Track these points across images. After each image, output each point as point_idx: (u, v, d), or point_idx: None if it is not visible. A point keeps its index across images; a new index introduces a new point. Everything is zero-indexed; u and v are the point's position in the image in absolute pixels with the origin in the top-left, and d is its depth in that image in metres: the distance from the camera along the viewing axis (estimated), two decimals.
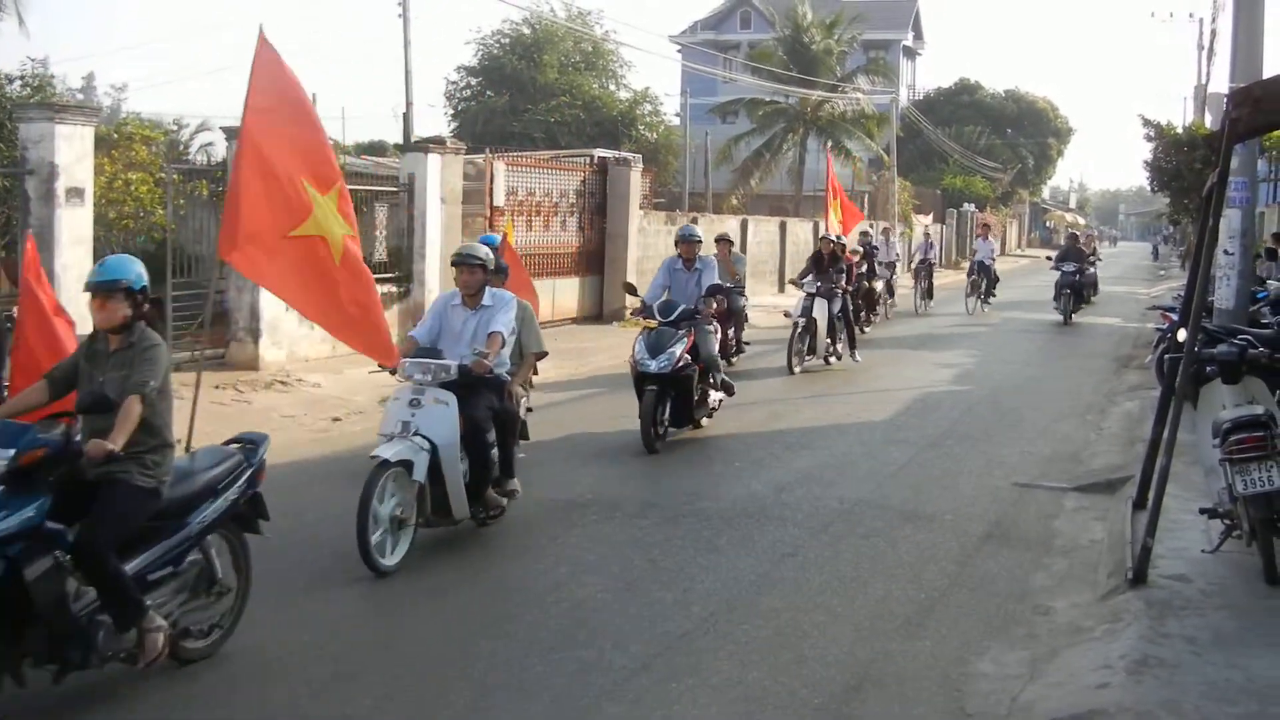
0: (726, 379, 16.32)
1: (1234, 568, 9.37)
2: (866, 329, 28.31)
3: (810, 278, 22.08)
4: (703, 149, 54.16)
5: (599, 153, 32.90)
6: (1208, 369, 10.00)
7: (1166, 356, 14.44)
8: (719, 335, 17.45)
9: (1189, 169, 22.60)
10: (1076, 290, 32.93)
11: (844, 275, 22.63)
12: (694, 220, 33.83)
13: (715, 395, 15.89)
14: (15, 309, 14.25)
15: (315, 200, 12.76)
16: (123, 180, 21.06)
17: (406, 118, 30.59)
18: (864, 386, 20.28)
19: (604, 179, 29.96)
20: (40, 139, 16.34)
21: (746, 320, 23.40)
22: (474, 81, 54.86)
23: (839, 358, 22.46)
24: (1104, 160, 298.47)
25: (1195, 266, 10.67)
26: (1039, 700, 7.28)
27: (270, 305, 18.54)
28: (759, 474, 13.47)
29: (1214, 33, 43.13)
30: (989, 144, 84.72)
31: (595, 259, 29.51)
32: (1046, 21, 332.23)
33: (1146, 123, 24.47)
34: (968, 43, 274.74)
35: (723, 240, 22.86)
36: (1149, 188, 28.96)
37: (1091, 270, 37.43)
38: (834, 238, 23.95)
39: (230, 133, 19.55)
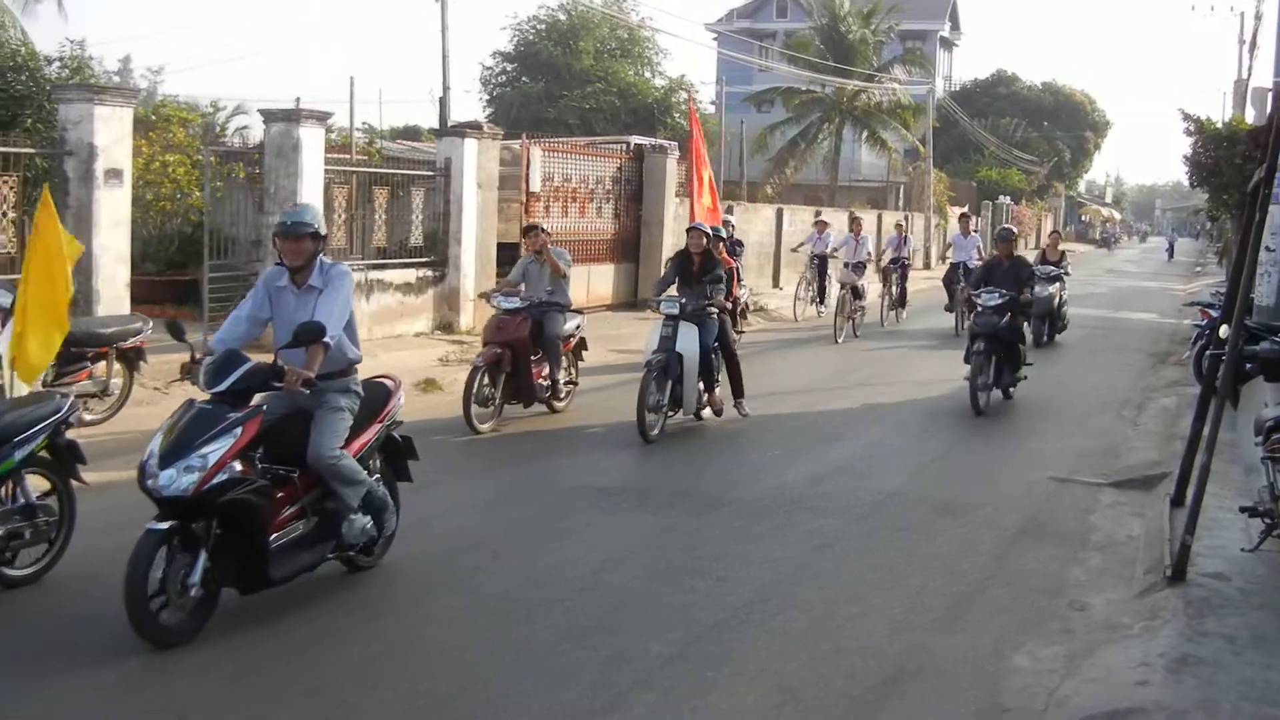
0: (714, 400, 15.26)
1: (1274, 567, 9.32)
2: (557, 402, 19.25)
3: (669, 292, 15.20)
4: (738, 137, 54.02)
5: (635, 139, 32.84)
6: (1249, 366, 9.93)
7: (1207, 353, 14.36)
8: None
9: (1229, 164, 22.31)
10: (1006, 346, 17.58)
11: (722, 286, 15.33)
12: (729, 210, 33.80)
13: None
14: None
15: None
16: (160, 162, 21.20)
17: (443, 102, 30.51)
18: (897, 379, 20.23)
19: (640, 166, 29.89)
20: (80, 120, 16.38)
21: (580, 343, 16.47)
22: (510, 67, 54.88)
23: (718, 410, 15.48)
24: (1141, 155, 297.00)
25: (1239, 263, 10.58)
26: (1075, 696, 7.23)
27: None
28: (794, 464, 13.44)
29: (1256, 26, 42.77)
30: (1025, 136, 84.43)
31: (630, 246, 29.47)
32: (1085, 13, 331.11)
33: (1186, 117, 24.21)
34: (1005, 34, 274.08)
35: (533, 231, 15.93)
36: (1188, 183, 28.62)
37: (1051, 291, 25.76)
38: (708, 230, 16.17)
39: (268, 115, 19.57)
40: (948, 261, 30.31)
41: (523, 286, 15.43)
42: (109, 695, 6.90)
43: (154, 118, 23.87)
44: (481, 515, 10.76)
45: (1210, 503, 9.85)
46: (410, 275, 21.56)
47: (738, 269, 22.28)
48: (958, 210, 59.17)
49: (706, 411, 15.40)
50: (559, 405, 15.85)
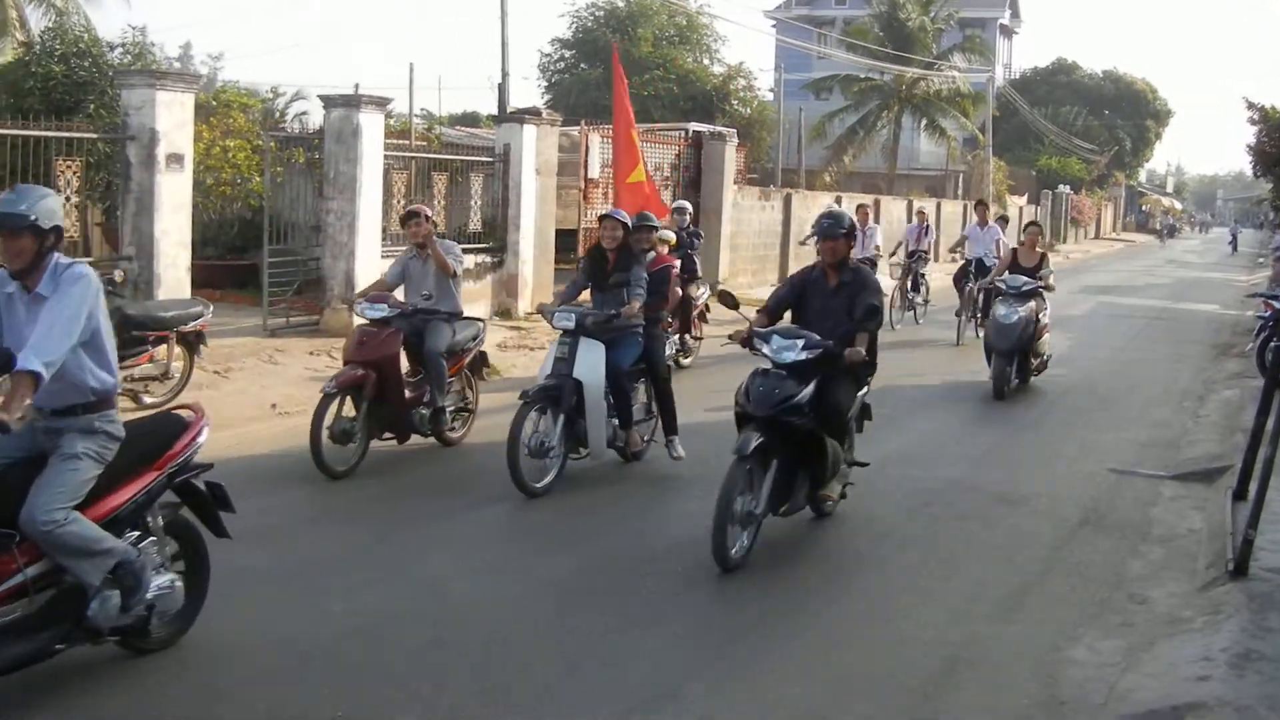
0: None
1: None
2: (684, 360, 18.55)
3: (567, 302, 12.19)
4: (796, 125, 53.88)
5: (694, 127, 32.78)
6: None
7: (1271, 345, 14.22)
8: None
9: None
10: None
11: (640, 290, 11.89)
12: (787, 198, 33.70)
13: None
14: (117, 274, 14.53)
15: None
16: (221, 147, 21.35)
17: (502, 89, 30.57)
18: (954, 368, 20.12)
19: (699, 153, 29.86)
20: (142, 105, 16.47)
21: (480, 358, 13.67)
22: (568, 54, 54.83)
23: (636, 453, 12.37)
24: (1203, 144, 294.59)
25: None
26: (1136, 690, 7.18)
27: (364, 273, 18.64)
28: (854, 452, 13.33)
29: None
30: (1085, 125, 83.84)
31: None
32: (1146, 1, 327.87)
33: (1250, 105, 24.06)
34: (1066, 21, 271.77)
35: (413, 219, 12.87)
36: (1251, 173, 28.32)
37: (1019, 315, 17.26)
38: (625, 218, 12.34)
39: (328, 101, 19.64)
40: (958, 258, 25.74)
41: (401, 290, 12.92)
42: None
43: (214, 103, 24.02)
44: (540, 503, 10.85)
45: (1273, 497, 9.74)
46: (469, 261, 21.57)
47: (696, 265, 19.57)
48: (1017, 200, 59.04)
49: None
50: (453, 437, 12.96)
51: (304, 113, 32.08)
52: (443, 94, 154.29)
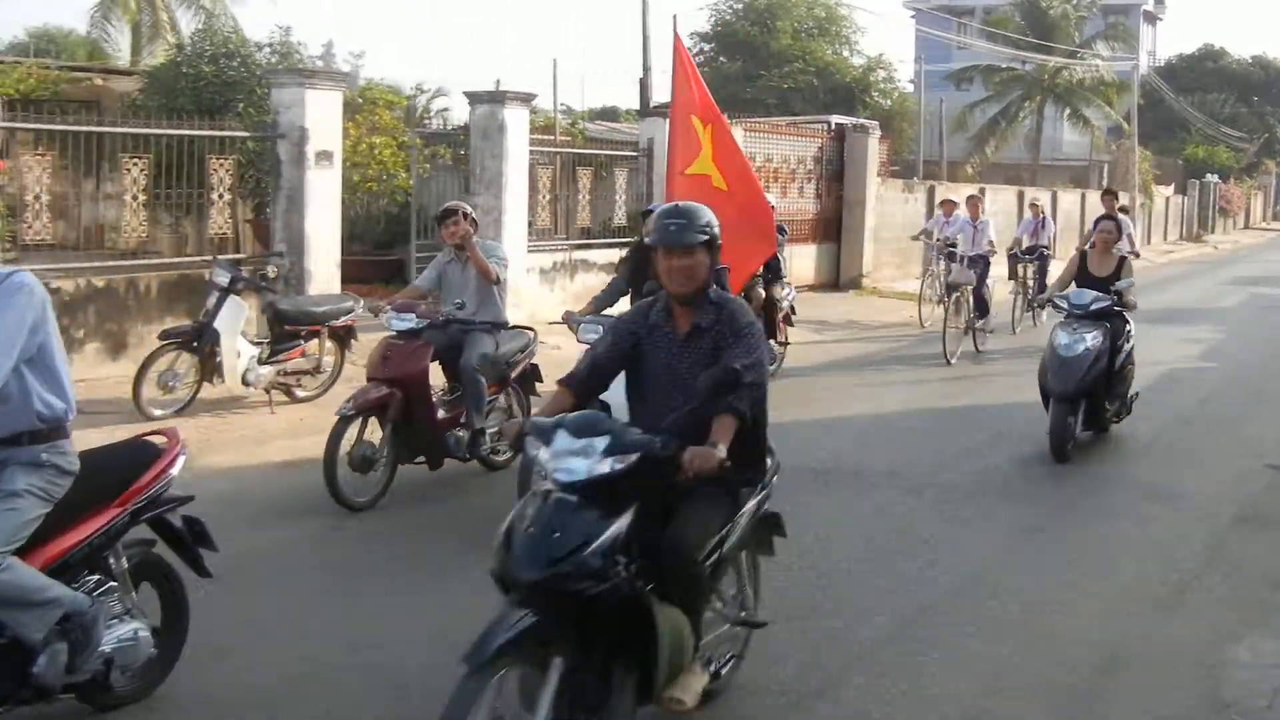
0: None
1: None
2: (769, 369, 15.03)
3: (600, 310, 11.11)
4: (937, 116, 53.43)
5: (837, 119, 32.64)
6: None
7: None
8: None
9: None
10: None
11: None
12: (930, 190, 33.38)
13: None
14: (270, 269, 14.71)
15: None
16: (367, 144, 21.57)
17: (644, 83, 30.60)
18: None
19: (841, 146, 29.73)
20: (291, 104, 16.67)
21: (531, 372, 12.05)
22: (707, 47, 54.75)
23: None
24: None
25: None
26: None
27: (512, 270, 18.75)
28: (1000, 447, 13.24)
29: None
30: (1234, 112, 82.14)
31: (832, 226, 29.32)
32: None
33: None
34: (1212, 7, 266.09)
35: (451, 217, 11.25)
36: None
37: (1088, 346, 12.78)
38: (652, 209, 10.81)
39: (473, 97, 19.77)
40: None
41: (436, 296, 11.50)
42: None
43: (360, 101, 24.25)
44: None
45: None
46: (614, 255, 21.61)
47: (781, 264, 17.07)
48: (1163, 190, 58.00)
49: None
50: (498, 460, 11.42)
51: (445, 109, 32.39)
52: (583, 88, 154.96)
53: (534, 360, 11.92)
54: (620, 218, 22.32)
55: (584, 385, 6.34)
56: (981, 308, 20.52)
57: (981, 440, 13.57)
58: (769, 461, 6.65)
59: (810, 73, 50.05)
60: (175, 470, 6.45)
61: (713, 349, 6.12)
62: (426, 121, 27.20)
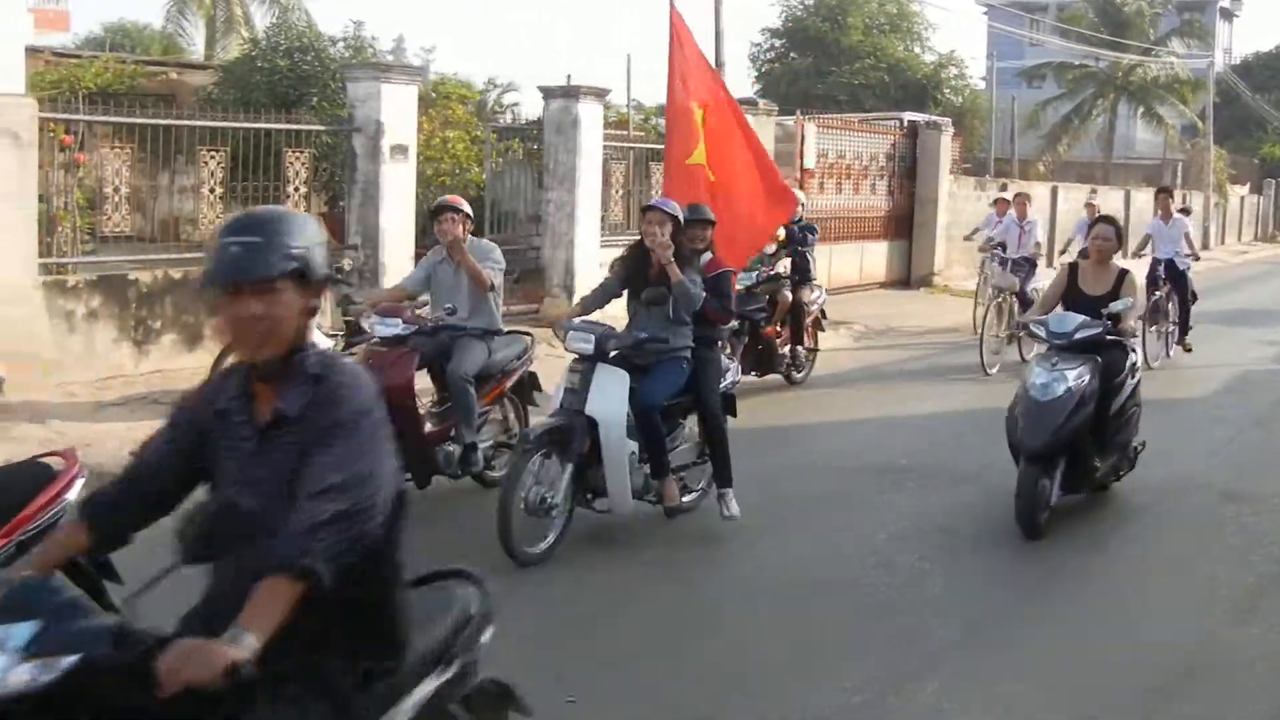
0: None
1: None
2: (797, 376, 16.07)
3: (589, 313, 9.74)
4: (1008, 114, 53.07)
5: (909, 116, 32.49)
6: None
7: None
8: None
9: None
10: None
11: (692, 298, 9.25)
12: (1002, 187, 33.14)
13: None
14: (346, 262, 14.74)
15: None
16: (440, 138, 21.58)
17: None
18: (1179, 363, 19.38)
19: (914, 142, 29.59)
20: (367, 98, 16.72)
21: (528, 381, 11.13)
22: (778, 43, 54.70)
23: (672, 508, 9.50)
24: None
25: None
26: None
27: (584, 263, 18.79)
28: None
29: None
30: None
31: (903, 223, 29.18)
32: None
33: None
34: None
35: (442, 214, 10.46)
36: None
37: (1072, 386, 9.84)
38: (676, 211, 9.50)
39: (547, 92, 19.81)
40: (1145, 257, 19.89)
41: (425, 301, 10.60)
42: None
43: (434, 95, 24.31)
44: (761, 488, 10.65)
45: None
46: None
47: (810, 265, 16.36)
48: (1238, 189, 57.33)
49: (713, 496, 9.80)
50: (494, 476, 10.34)
51: (516, 104, 32.45)
52: (653, 84, 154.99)
53: (531, 368, 11.00)
54: None
55: (100, 523, 4.01)
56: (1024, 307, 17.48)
57: None
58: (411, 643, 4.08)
59: (881, 69, 49.93)
60: (71, 495, 5.69)
61: (300, 454, 3.78)
62: (498, 116, 27.26)
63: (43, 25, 23.17)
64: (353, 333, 13.43)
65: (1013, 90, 56.26)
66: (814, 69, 50.90)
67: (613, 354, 9.14)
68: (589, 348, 9.00)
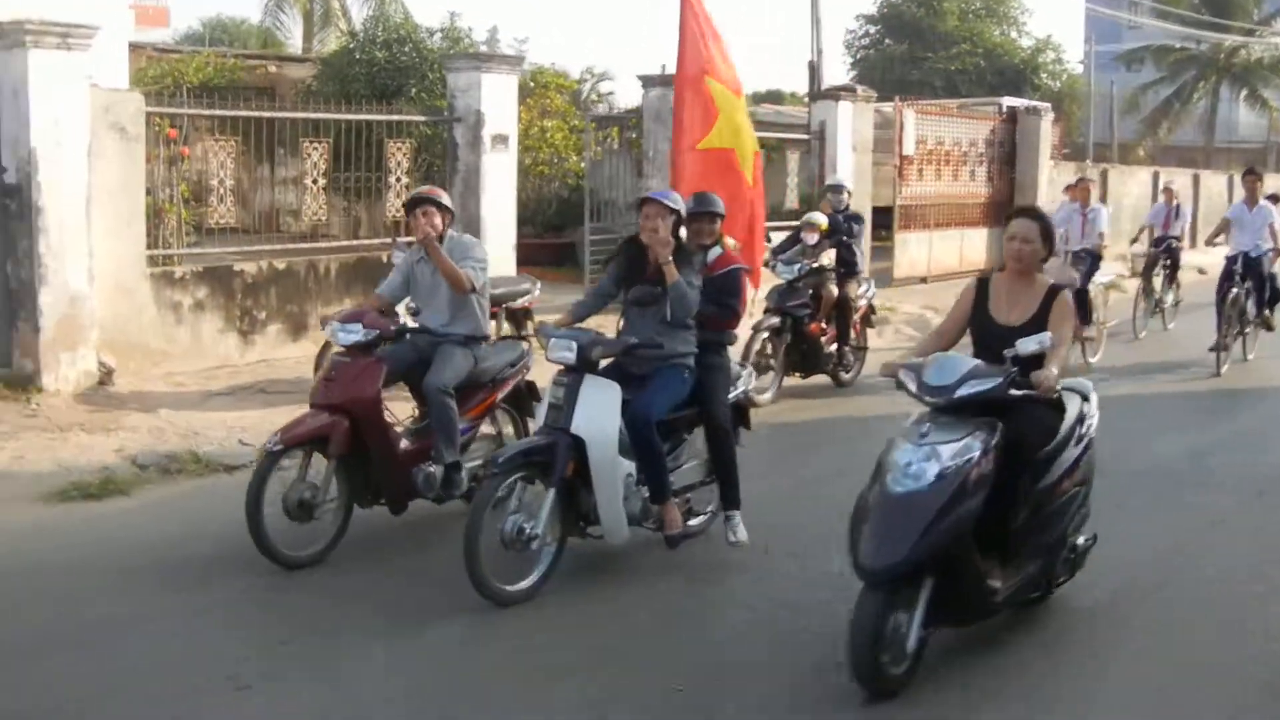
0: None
1: None
2: (845, 377, 15.02)
3: (580, 320, 8.71)
4: (1107, 98, 52.47)
5: (1008, 101, 32.20)
6: None
7: None
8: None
9: None
10: None
11: (714, 300, 8.76)
12: (1104, 174, 32.76)
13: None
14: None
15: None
16: (539, 127, 21.67)
17: (814, 66, 30.46)
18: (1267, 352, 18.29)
19: (1013, 128, 29.26)
20: (468, 88, 16.73)
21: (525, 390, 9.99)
22: (873, 30, 54.47)
23: (674, 536, 8.47)
24: None
25: None
26: None
27: None
28: (1167, 437, 12.76)
29: None
30: None
31: (1003, 209, 28.63)
32: None
33: None
34: None
35: (419, 206, 9.18)
36: None
37: (929, 480, 6.56)
38: (678, 204, 8.55)
39: (646, 81, 19.79)
40: (1218, 245, 18.18)
41: (404, 306, 9.81)
42: None
43: (532, 84, 24.40)
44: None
45: None
46: (783, 238, 21.50)
47: (857, 257, 15.37)
48: None
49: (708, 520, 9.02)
50: None
51: (611, 93, 32.50)
52: (753, 71, 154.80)
53: (529, 376, 9.90)
54: (792, 201, 22.19)
55: None
56: (1083, 313, 16.02)
57: (1145, 428, 12.99)
58: None
59: (977, 54, 49.61)
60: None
61: None
62: (594, 105, 27.31)
63: (143, 22, 23.46)
64: None
65: (1111, 74, 55.63)
66: (909, 55, 50.65)
67: (603, 363, 8.30)
68: (571, 357, 8.02)
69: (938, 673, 6.63)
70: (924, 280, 24.80)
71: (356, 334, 8.72)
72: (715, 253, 9.07)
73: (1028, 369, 6.83)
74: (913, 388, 6.91)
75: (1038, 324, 7.10)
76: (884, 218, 24.67)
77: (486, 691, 6.54)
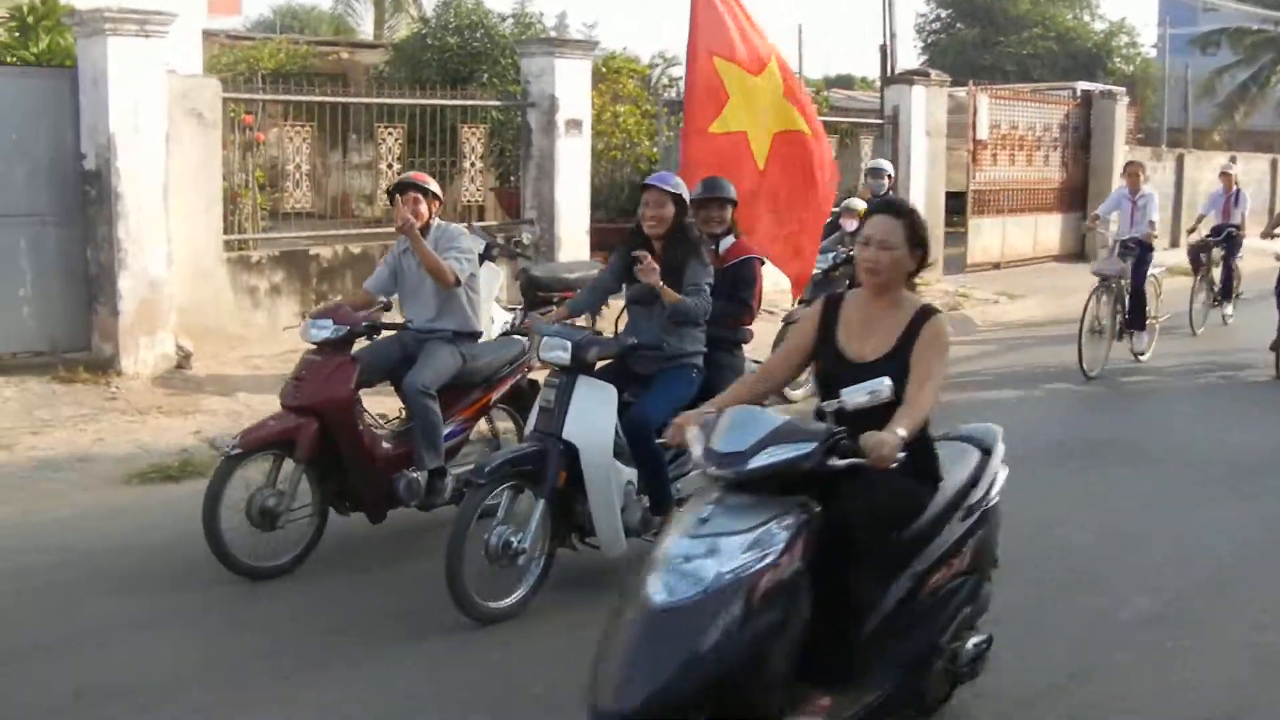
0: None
1: None
2: None
3: (577, 315, 8.62)
4: (1182, 82, 51.93)
5: (1082, 85, 31.93)
6: None
7: None
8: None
9: None
10: None
11: (701, 301, 7.80)
12: (1179, 159, 32.46)
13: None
14: (525, 236, 14.82)
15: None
16: (611, 112, 21.63)
17: (886, 50, 30.26)
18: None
19: (1088, 112, 29.01)
20: (541, 73, 16.75)
21: (525, 387, 9.44)
22: (944, 14, 54.18)
23: None
24: None
25: None
26: None
27: None
28: (1248, 425, 12.67)
29: None
30: None
31: (1077, 195, 28.60)
32: None
33: None
34: None
35: (403, 192, 8.71)
36: None
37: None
38: (680, 190, 7.99)
39: None
40: (1277, 237, 17.02)
41: (391, 301, 9.01)
42: None
43: (603, 69, 24.38)
44: None
45: None
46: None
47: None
48: None
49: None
50: None
51: (681, 78, 32.43)
52: (815, 57, 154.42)
53: (531, 375, 9.21)
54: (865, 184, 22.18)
55: None
56: (1137, 307, 15.78)
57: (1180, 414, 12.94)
58: None
59: (1050, 38, 49.24)
60: None
61: None
62: (665, 89, 27.24)
63: (215, 9, 23.58)
64: (531, 305, 13.52)
65: (1185, 58, 55.00)
66: (981, 39, 50.35)
67: (600, 364, 7.66)
68: (565, 356, 7.42)
69: None
70: (997, 266, 24.67)
71: (326, 330, 8.17)
72: (728, 242, 8.54)
73: (871, 424, 4.98)
74: (698, 453, 5.04)
75: (898, 358, 5.33)
76: (957, 203, 24.54)
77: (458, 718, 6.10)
